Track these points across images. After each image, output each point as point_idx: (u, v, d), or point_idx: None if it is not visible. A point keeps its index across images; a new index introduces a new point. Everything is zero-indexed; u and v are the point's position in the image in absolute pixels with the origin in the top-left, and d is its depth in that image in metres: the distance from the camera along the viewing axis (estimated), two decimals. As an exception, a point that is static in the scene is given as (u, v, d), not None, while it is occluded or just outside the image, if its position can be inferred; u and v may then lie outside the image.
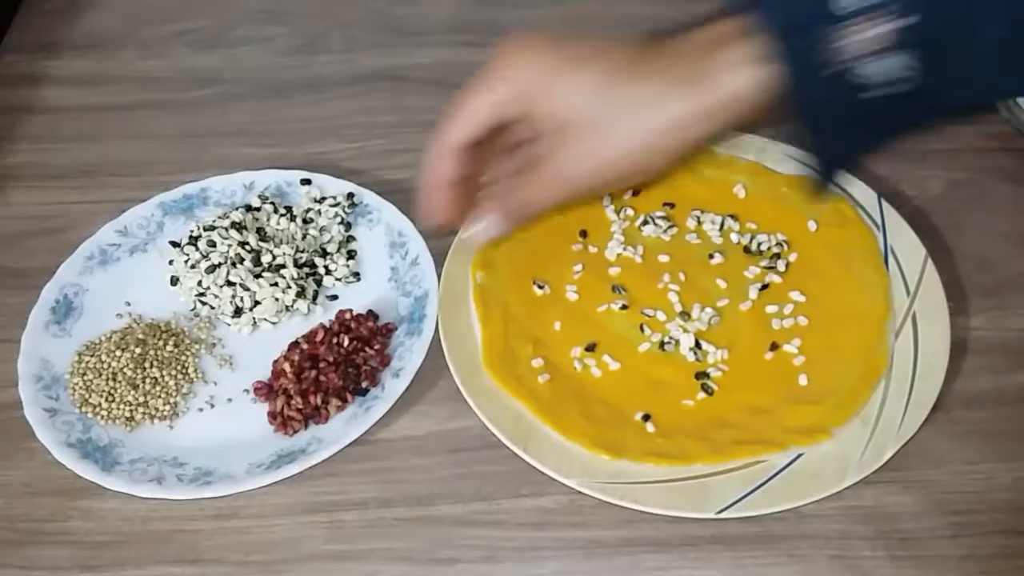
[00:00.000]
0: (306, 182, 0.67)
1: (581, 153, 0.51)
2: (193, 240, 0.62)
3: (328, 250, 0.64)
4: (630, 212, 0.64)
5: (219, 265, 0.61)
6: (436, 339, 0.58)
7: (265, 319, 0.61)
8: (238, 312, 0.61)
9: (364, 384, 0.57)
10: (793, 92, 0.47)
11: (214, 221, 0.63)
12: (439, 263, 0.61)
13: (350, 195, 0.66)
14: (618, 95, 0.49)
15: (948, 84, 0.46)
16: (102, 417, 0.57)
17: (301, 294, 0.61)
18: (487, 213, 0.55)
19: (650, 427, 0.55)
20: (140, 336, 0.59)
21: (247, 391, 0.58)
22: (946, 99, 0.47)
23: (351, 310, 0.60)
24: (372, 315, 0.60)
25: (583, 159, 0.51)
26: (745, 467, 0.52)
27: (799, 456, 0.53)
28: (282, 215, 0.65)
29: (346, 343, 0.58)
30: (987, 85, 0.48)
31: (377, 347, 0.59)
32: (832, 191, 0.58)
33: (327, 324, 0.60)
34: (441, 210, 0.55)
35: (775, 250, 0.62)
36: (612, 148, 0.51)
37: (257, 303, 0.61)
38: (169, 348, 0.59)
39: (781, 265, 0.61)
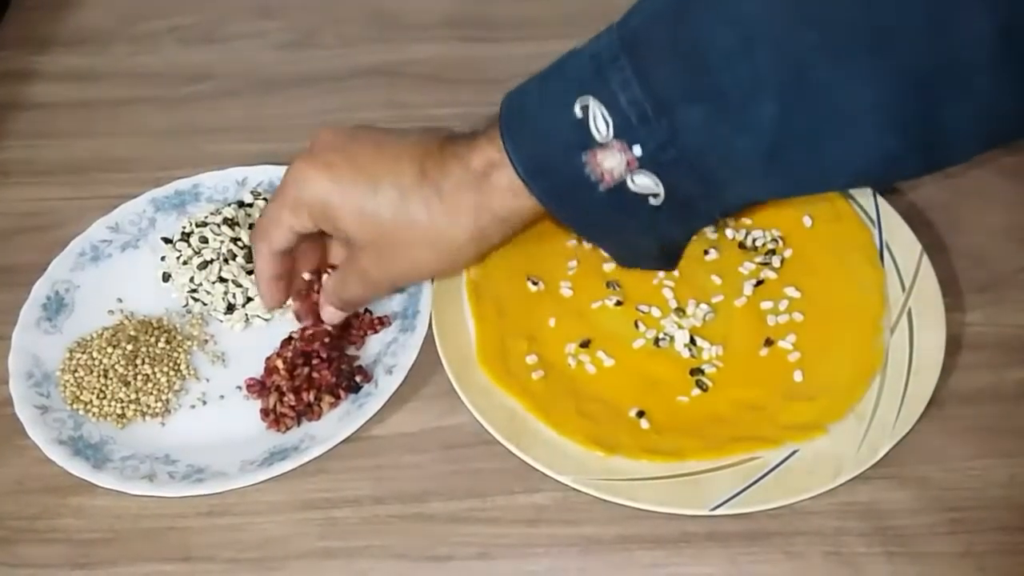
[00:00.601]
0: (299, 178, 0.66)
1: (384, 265, 0.54)
2: (185, 236, 0.62)
3: (321, 246, 0.63)
4: (625, 208, 0.64)
5: (211, 261, 0.60)
6: (430, 335, 0.58)
7: (258, 316, 0.61)
8: (230, 309, 0.60)
9: (357, 380, 0.57)
10: (560, 205, 0.50)
11: (206, 217, 0.63)
12: (433, 259, 0.61)
13: (343, 191, 0.66)
14: (412, 218, 0.51)
15: (700, 195, 0.49)
16: (93, 414, 0.57)
17: (294, 290, 0.61)
18: (326, 303, 0.58)
19: (644, 424, 0.54)
20: (132, 333, 0.59)
21: (239, 388, 0.58)
22: (711, 204, 0.50)
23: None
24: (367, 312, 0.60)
25: (386, 269, 0.54)
26: (739, 463, 0.52)
27: (794, 452, 0.52)
28: (275, 211, 0.64)
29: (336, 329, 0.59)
30: (750, 190, 0.50)
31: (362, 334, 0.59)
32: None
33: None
34: (273, 299, 0.58)
35: (770, 246, 0.61)
36: (413, 262, 0.54)
37: (250, 299, 0.60)
38: (161, 345, 0.59)
39: (776, 261, 0.61)
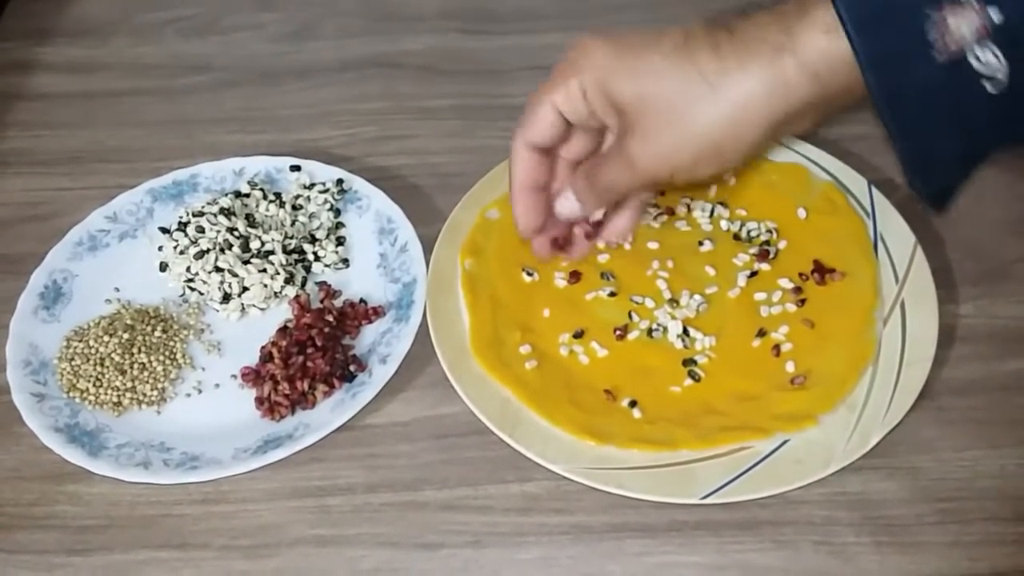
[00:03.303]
0: (296, 168, 0.67)
1: (652, 137, 0.49)
2: (182, 226, 0.62)
3: (317, 236, 0.64)
4: (620, 199, 0.64)
5: (208, 251, 0.61)
6: (424, 325, 0.58)
7: (254, 305, 0.61)
8: (227, 298, 0.61)
9: (352, 369, 0.57)
10: (879, 74, 0.44)
11: (203, 207, 0.63)
12: (428, 250, 0.61)
13: (339, 181, 0.66)
14: (689, 74, 0.47)
15: None
16: (90, 402, 0.57)
17: (290, 280, 0.61)
18: (572, 190, 0.55)
19: (637, 413, 0.55)
20: (128, 322, 0.59)
21: (235, 376, 0.58)
22: None
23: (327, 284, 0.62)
24: (362, 302, 0.61)
25: (655, 143, 0.49)
26: (731, 453, 0.52)
27: (785, 442, 0.53)
28: (271, 201, 0.65)
29: (332, 318, 0.59)
30: None
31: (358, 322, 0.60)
32: (940, 206, 0.52)
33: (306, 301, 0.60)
34: (528, 218, 0.55)
35: (764, 237, 0.62)
36: (684, 130, 0.48)
37: (245, 289, 0.61)
38: (157, 334, 0.59)
39: (770, 252, 0.61)
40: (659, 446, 0.53)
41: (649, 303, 0.59)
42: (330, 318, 0.59)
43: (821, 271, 0.59)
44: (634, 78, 0.48)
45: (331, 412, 0.56)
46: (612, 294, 0.59)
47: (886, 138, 0.47)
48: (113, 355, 0.58)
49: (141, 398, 0.57)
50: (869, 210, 0.62)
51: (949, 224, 0.63)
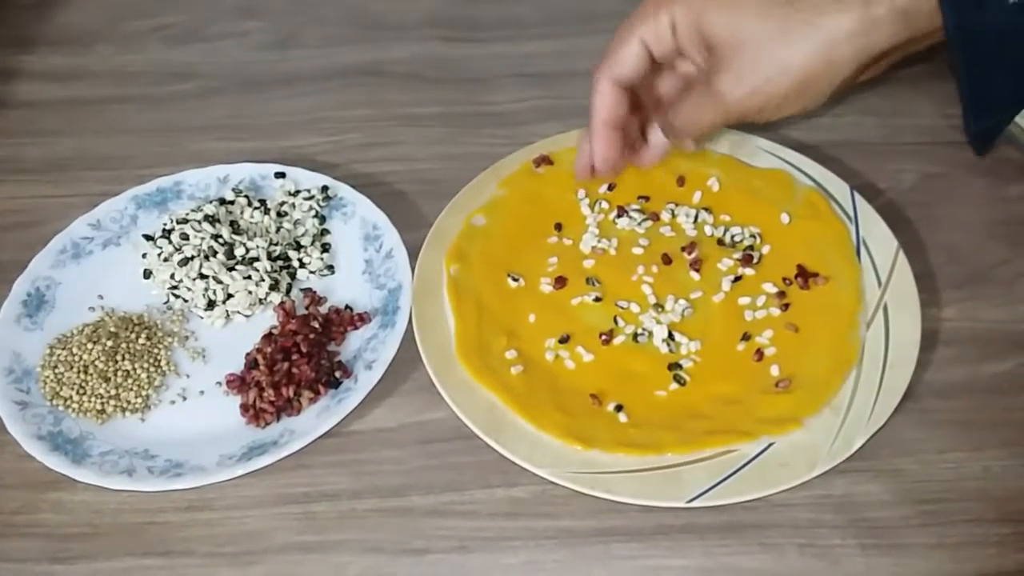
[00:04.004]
0: (280, 175, 0.67)
1: (746, 73, 0.51)
2: (166, 233, 0.62)
3: (302, 243, 0.64)
4: (605, 205, 0.64)
5: (192, 258, 0.61)
6: (409, 331, 0.58)
7: (238, 312, 0.61)
8: (211, 305, 0.61)
9: (337, 376, 0.57)
10: (957, 14, 0.47)
11: (187, 214, 0.63)
12: (413, 256, 0.61)
13: (324, 188, 0.66)
14: (785, 10, 0.49)
15: None
16: (73, 410, 0.57)
17: (275, 287, 0.61)
18: (660, 127, 0.56)
19: (622, 417, 0.55)
20: (112, 329, 0.59)
21: (219, 383, 0.58)
22: None
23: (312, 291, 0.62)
24: (348, 309, 0.61)
25: (748, 79, 0.51)
26: (716, 456, 0.52)
27: (770, 445, 0.53)
28: (256, 208, 0.64)
29: (318, 324, 0.59)
30: None
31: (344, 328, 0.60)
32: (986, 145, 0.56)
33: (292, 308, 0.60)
34: (608, 152, 0.56)
35: (748, 242, 0.62)
36: (778, 66, 0.50)
37: (230, 296, 0.60)
38: (141, 341, 0.59)
39: (754, 257, 0.61)
40: (645, 450, 0.53)
41: (634, 308, 0.59)
42: (315, 324, 0.59)
43: (804, 275, 0.60)
44: (729, 14, 0.49)
45: (316, 418, 0.55)
46: (597, 299, 0.60)
47: (953, 73, 0.51)
48: (97, 362, 0.58)
49: (125, 405, 0.57)
50: (852, 215, 0.62)
51: (932, 229, 0.63)
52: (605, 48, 0.56)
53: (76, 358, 0.58)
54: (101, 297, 0.62)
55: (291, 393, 0.56)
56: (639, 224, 0.63)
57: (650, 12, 0.52)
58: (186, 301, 0.61)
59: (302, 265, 0.63)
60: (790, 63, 0.50)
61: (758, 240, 0.62)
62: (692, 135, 0.57)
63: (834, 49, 0.49)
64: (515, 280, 0.61)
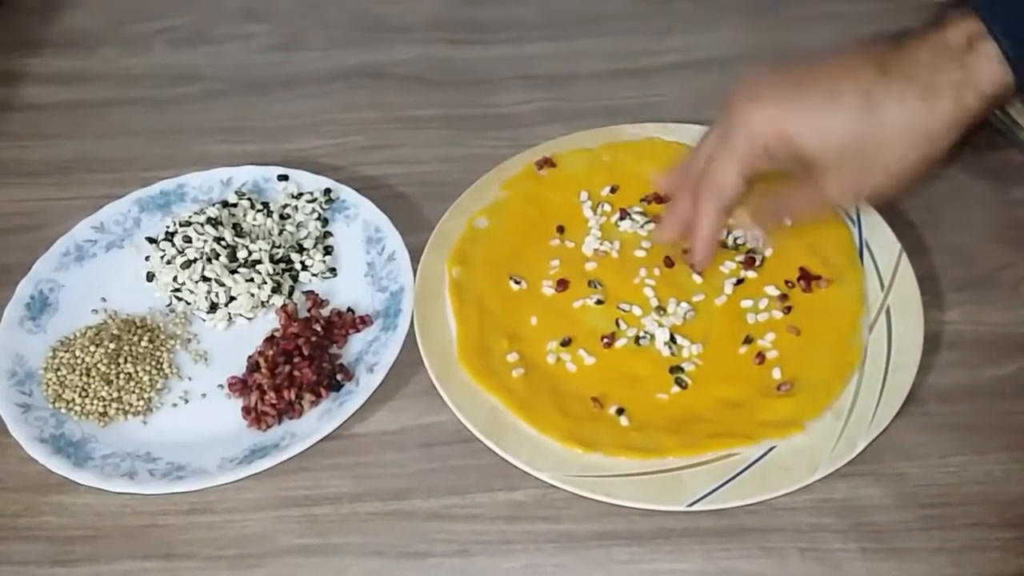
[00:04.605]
0: (283, 178, 0.67)
1: (847, 178, 0.52)
2: (169, 236, 0.62)
3: (305, 246, 0.64)
4: (607, 207, 0.64)
5: (195, 261, 0.61)
6: (411, 334, 0.58)
7: (240, 315, 0.61)
8: (213, 308, 0.61)
9: (339, 379, 0.57)
10: None
11: (190, 217, 0.63)
12: (415, 259, 0.62)
13: (327, 191, 0.66)
14: (884, 118, 0.49)
15: None
16: (75, 412, 0.57)
17: (277, 290, 0.61)
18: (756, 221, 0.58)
19: (624, 421, 0.55)
20: (115, 332, 0.59)
21: (221, 386, 0.58)
22: None
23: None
24: (350, 311, 0.61)
25: (848, 182, 0.52)
26: (717, 460, 0.52)
27: (771, 449, 0.53)
28: (259, 211, 0.65)
29: (319, 327, 0.59)
30: None
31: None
32: None
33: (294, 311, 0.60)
34: (709, 259, 0.58)
35: (750, 245, 0.62)
36: (879, 169, 0.51)
37: (232, 299, 0.61)
38: (144, 344, 0.59)
39: (756, 260, 0.61)
40: (646, 453, 0.53)
41: (636, 311, 0.59)
42: (317, 327, 0.59)
43: (807, 278, 0.59)
44: (821, 137, 0.50)
45: (318, 421, 0.55)
46: (599, 302, 0.60)
47: None
48: (99, 365, 0.58)
49: (127, 408, 0.57)
50: (855, 218, 0.62)
51: (935, 232, 0.63)
52: (693, 165, 0.56)
53: (79, 360, 0.58)
54: (104, 300, 0.63)
55: (293, 396, 0.56)
56: (641, 227, 0.63)
57: (743, 147, 0.52)
58: (188, 304, 0.61)
59: (304, 268, 0.63)
60: (891, 168, 0.51)
61: (760, 243, 0.62)
62: (800, 223, 0.58)
63: (931, 147, 0.50)
64: (517, 283, 0.61)
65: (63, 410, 0.57)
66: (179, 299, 0.61)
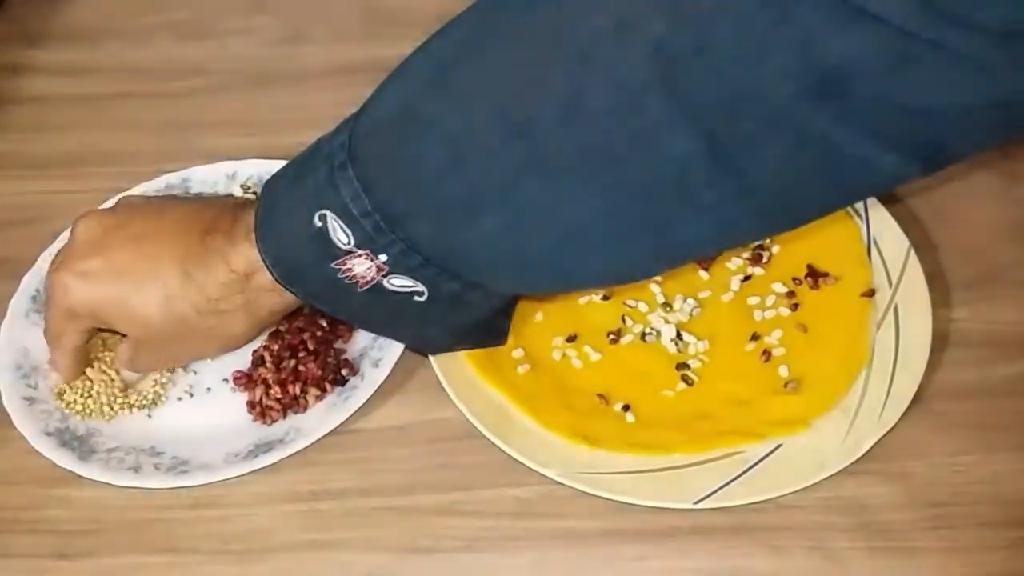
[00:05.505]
0: (289, 172, 0.67)
1: (166, 354, 0.56)
2: (174, 229, 0.62)
3: (310, 240, 0.64)
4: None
5: (200, 254, 0.61)
6: (417, 329, 0.58)
7: (246, 309, 0.61)
8: (219, 301, 0.60)
9: (344, 373, 0.57)
10: (323, 304, 0.51)
11: (195, 210, 0.63)
12: (421, 253, 0.61)
13: (333, 185, 0.66)
14: (183, 318, 0.52)
15: (466, 289, 0.48)
16: (80, 406, 0.57)
17: (282, 284, 0.61)
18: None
19: (630, 417, 0.54)
20: (120, 325, 0.59)
21: (226, 380, 0.58)
22: (482, 296, 0.50)
23: None
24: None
25: (169, 357, 0.57)
26: (724, 457, 0.52)
27: (778, 447, 0.53)
28: (264, 205, 0.64)
29: (325, 322, 0.58)
30: (516, 284, 0.51)
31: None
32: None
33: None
34: (74, 376, 0.58)
35: (757, 241, 0.61)
36: (194, 351, 0.57)
37: (238, 293, 0.60)
38: (149, 337, 0.59)
39: (763, 256, 0.61)
40: (652, 450, 0.53)
41: (642, 307, 0.59)
42: (322, 322, 0.59)
43: (814, 275, 0.59)
44: (131, 318, 0.53)
45: (323, 416, 0.55)
46: (605, 298, 0.59)
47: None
48: (105, 358, 0.58)
49: (132, 402, 0.57)
50: (862, 214, 0.62)
51: (943, 228, 0.63)
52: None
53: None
54: (109, 293, 0.62)
55: (298, 390, 0.56)
56: (648, 223, 0.63)
57: (64, 315, 0.54)
58: (194, 298, 0.61)
59: (310, 262, 0.63)
60: (203, 351, 0.57)
61: (767, 239, 0.62)
62: (136, 371, 0.58)
63: (237, 341, 0.55)
64: (523, 278, 0.61)
65: (65, 410, 0.57)
66: (184, 293, 0.61)
